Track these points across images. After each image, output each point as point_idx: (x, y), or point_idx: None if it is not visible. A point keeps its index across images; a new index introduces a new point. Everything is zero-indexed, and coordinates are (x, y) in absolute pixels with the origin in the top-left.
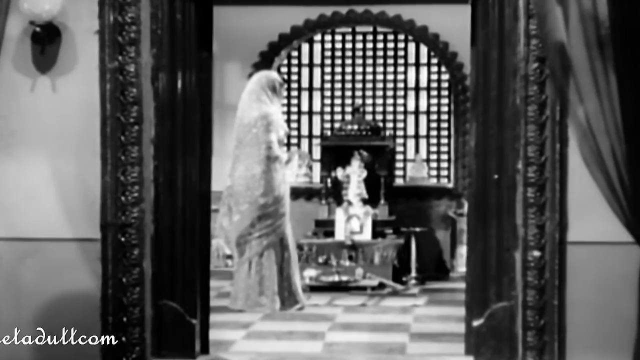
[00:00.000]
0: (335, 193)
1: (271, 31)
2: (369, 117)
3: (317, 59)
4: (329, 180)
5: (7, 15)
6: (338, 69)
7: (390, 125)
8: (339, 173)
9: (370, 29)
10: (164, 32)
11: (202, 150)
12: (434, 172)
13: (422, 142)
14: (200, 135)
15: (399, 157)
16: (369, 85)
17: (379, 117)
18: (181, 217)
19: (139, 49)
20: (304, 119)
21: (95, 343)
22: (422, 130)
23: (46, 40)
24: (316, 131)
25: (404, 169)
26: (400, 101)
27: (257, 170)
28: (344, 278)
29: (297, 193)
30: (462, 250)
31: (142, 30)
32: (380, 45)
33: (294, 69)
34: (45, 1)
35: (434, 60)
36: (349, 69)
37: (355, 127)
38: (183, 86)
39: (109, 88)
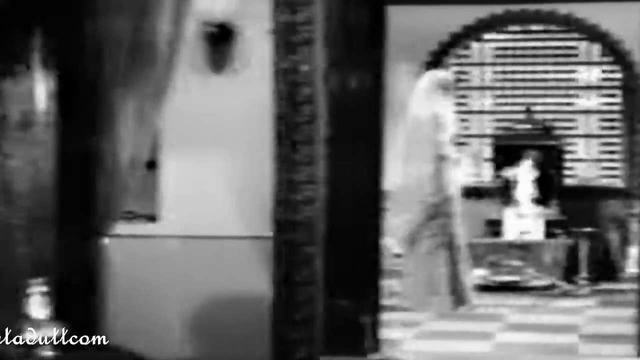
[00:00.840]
0: (505, 193)
1: (442, 30)
2: (539, 117)
3: (487, 58)
4: (499, 180)
5: (185, 16)
6: (508, 68)
7: (560, 124)
8: (510, 173)
9: (541, 27)
10: (336, 31)
11: (373, 149)
12: (605, 172)
13: (593, 142)
14: (371, 134)
15: (570, 156)
16: (540, 84)
17: (550, 116)
18: (352, 215)
19: (312, 49)
20: (475, 118)
21: (265, 341)
22: (593, 130)
23: (220, 41)
24: (487, 131)
25: (575, 168)
26: (570, 100)
27: (427, 169)
28: (514, 278)
29: (467, 193)
30: (633, 251)
31: (315, 30)
32: (550, 43)
33: (465, 68)
34: (219, 2)
35: (605, 59)
36: (519, 68)
37: (526, 126)
38: (355, 85)
39: (282, 87)
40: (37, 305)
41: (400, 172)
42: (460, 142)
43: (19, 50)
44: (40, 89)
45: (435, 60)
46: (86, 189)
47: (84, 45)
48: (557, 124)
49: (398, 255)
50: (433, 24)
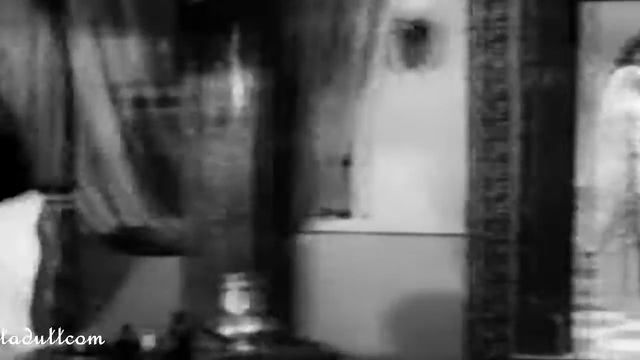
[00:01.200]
0: None
1: (636, 26)
2: None
3: None
4: None
5: (381, 14)
6: None
7: None
8: None
9: None
10: (531, 28)
11: (567, 146)
12: None
13: None
14: (565, 131)
15: None
16: None
17: None
18: (546, 213)
19: (507, 45)
20: None
21: (458, 339)
22: None
23: (415, 38)
24: None
25: None
26: None
27: (621, 167)
28: None
29: None
30: None
31: (510, 26)
32: None
33: None
34: None
35: None
36: None
37: None
38: (550, 82)
39: (476, 84)
40: (236, 300)
41: (594, 169)
42: None
43: (218, 47)
44: (238, 86)
45: (629, 57)
46: (283, 186)
47: (282, 42)
48: None
49: (590, 254)
50: (627, 20)
